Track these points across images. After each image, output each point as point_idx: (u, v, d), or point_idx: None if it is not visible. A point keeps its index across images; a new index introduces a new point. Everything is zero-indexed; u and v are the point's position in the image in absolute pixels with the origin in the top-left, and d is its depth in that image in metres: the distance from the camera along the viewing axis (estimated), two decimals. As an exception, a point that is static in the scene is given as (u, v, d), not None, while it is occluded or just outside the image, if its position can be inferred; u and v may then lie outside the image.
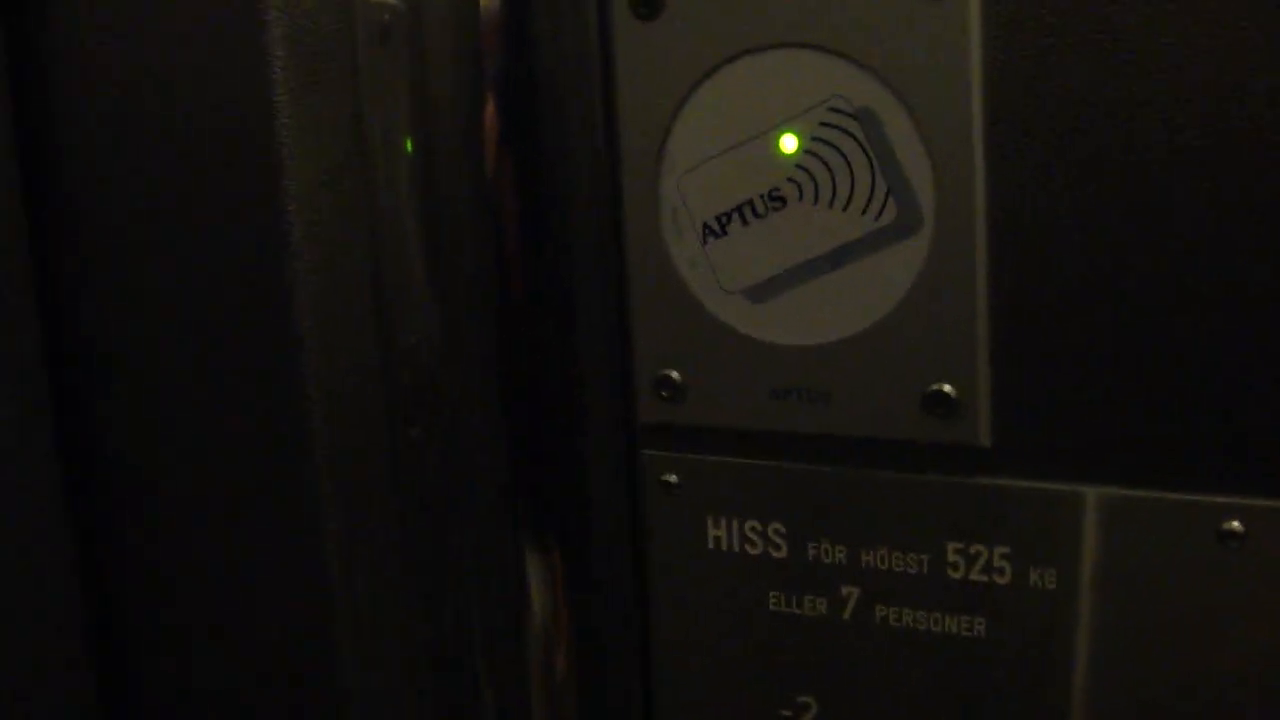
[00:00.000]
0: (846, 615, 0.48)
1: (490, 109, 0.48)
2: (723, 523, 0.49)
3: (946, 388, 0.45)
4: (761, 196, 0.46)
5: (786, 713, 0.50)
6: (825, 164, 0.45)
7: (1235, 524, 0.42)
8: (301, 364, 0.48)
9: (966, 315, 0.44)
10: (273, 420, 0.50)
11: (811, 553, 0.48)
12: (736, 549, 0.49)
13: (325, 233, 0.48)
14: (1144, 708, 0.45)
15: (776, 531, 0.48)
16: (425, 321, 0.50)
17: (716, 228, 0.47)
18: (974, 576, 0.46)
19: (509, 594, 0.51)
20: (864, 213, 0.45)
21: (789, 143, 0.45)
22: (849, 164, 0.45)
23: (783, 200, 0.45)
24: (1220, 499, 0.42)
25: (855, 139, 0.44)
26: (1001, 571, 0.46)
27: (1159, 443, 0.43)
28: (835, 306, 0.45)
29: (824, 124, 0.44)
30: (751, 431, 0.48)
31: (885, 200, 0.44)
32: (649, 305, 0.48)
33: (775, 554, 0.48)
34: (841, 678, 0.49)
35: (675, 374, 0.48)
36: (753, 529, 0.48)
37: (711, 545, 0.49)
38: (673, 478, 0.49)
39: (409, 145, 0.49)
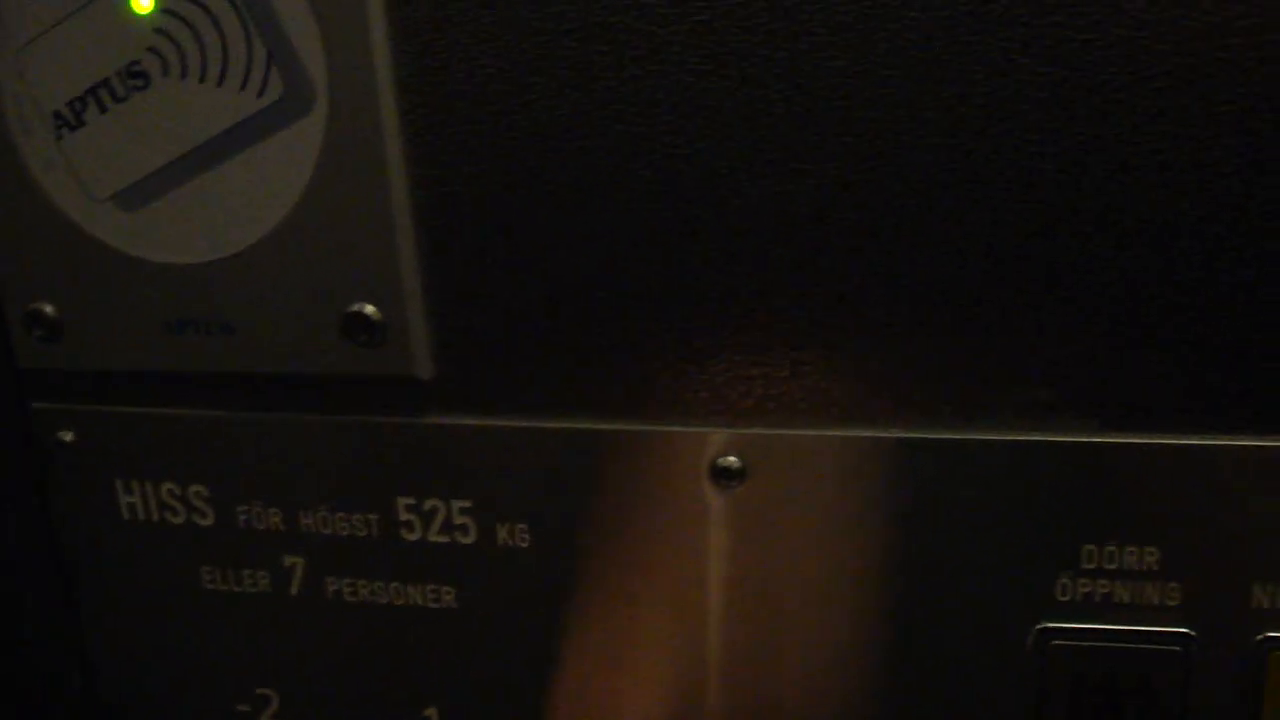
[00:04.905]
0: (294, 590, 0.39)
1: None
2: (135, 488, 0.39)
3: (368, 308, 0.35)
4: (119, 73, 0.35)
5: (244, 708, 0.41)
6: (190, 26, 0.34)
7: (731, 460, 0.34)
8: None
9: (380, 214, 0.35)
10: None
11: (242, 518, 0.39)
12: (156, 518, 0.39)
13: None
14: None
15: (198, 495, 0.39)
16: None
17: (71, 117, 0.36)
18: (433, 538, 0.37)
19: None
20: (244, 88, 0.35)
21: (142, -2, 0.34)
22: (218, 26, 0.34)
23: (145, 77, 0.35)
24: (696, 430, 0.35)
25: (217, -8, 0.34)
26: (465, 530, 0.37)
27: (638, 365, 0.35)
28: (224, 211, 0.36)
29: (176, -27, 0.34)
30: (150, 373, 0.38)
31: (267, 71, 0.34)
32: (5, 221, 0.37)
33: (201, 522, 0.39)
34: (299, 664, 0.40)
35: (48, 307, 0.38)
36: (171, 493, 0.39)
37: (127, 515, 0.40)
38: (69, 435, 0.39)
39: None
